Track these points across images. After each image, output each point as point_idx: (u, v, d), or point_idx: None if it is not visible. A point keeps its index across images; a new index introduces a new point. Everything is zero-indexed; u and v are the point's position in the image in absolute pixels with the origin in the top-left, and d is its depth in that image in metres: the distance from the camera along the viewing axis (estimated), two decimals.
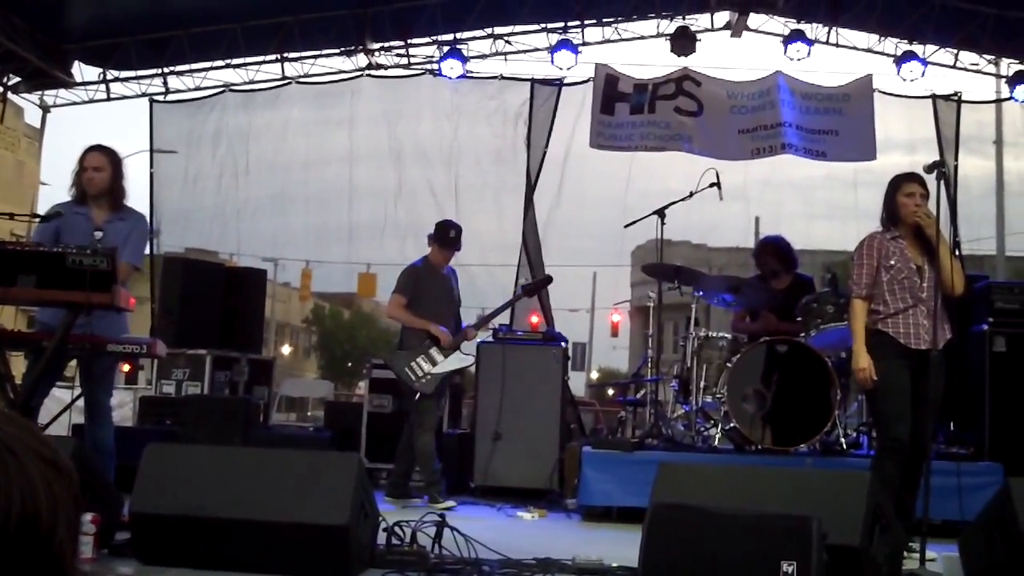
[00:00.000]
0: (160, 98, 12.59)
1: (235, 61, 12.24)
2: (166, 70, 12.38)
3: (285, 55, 12.19)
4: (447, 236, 8.54)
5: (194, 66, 12.37)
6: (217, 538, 4.67)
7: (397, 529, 5.25)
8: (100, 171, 6.37)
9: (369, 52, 12.06)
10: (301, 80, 12.35)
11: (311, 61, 12.30)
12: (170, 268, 11.17)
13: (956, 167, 11.53)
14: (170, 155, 12.67)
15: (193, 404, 9.60)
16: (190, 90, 12.59)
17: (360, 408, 10.27)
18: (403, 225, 12.06)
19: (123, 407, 12.03)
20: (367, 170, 12.43)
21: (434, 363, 8.25)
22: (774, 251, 9.09)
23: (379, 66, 12.24)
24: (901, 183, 6.47)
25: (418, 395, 8.22)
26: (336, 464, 4.94)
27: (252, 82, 12.41)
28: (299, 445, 9.82)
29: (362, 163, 12.43)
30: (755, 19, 11.66)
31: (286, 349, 52.86)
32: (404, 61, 12.30)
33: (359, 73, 12.26)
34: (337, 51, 12.15)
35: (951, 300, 6.44)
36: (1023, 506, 4.55)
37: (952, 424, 8.68)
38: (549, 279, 9.90)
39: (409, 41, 12.15)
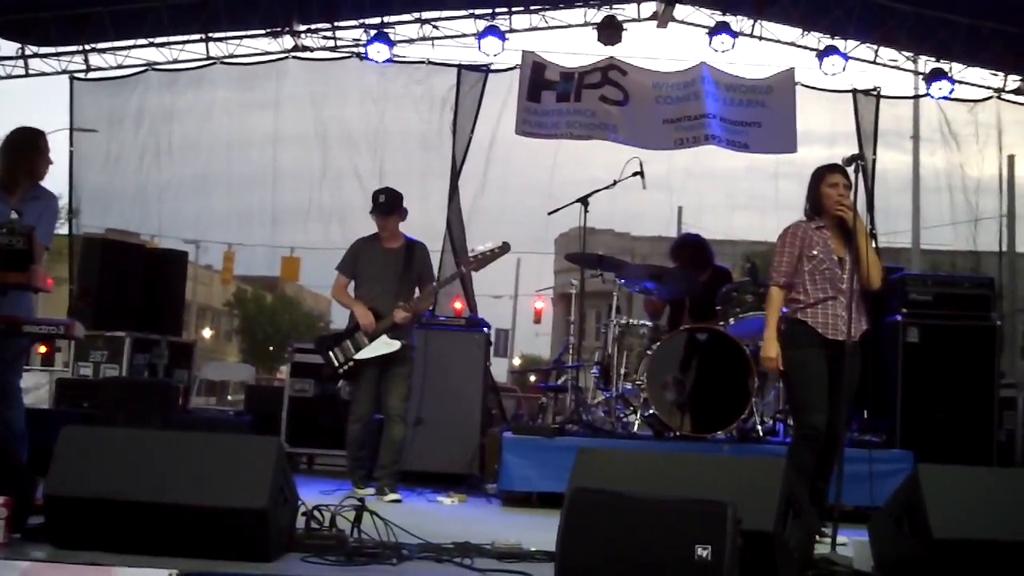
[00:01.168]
0: (81, 76, 12.34)
1: (159, 40, 12.03)
2: (87, 47, 12.12)
3: (210, 35, 12.02)
4: (376, 202, 8.11)
5: (116, 44, 12.12)
6: (133, 521, 4.62)
7: (316, 513, 5.25)
8: None
9: (295, 34, 11.96)
10: (226, 60, 12.19)
11: (236, 42, 12.13)
12: (89, 249, 10.98)
13: (874, 161, 11.76)
14: (91, 134, 12.45)
15: (111, 387, 9.46)
16: (112, 68, 12.33)
17: (281, 392, 10.21)
18: (327, 209, 12.02)
19: (39, 389, 11.85)
20: (292, 153, 12.33)
21: (358, 348, 7.92)
22: (691, 253, 9.24)
23: (305, 48, 12.13)
24: (825, 174, 6.55)
25: (341, 382, 8.12)
26: (255, 448, 4.91)
27: (176, 61, 12.22)
28: (219, 429, 9.76)
29: (287, 146, 12.33)
30: (681, 10, 11.75)
31: (207, 332, 52.30)
32: (331, 44, 12.21)
33: (285, 55, 12.13)
34: (263, 32, 12.01)
35: (869, 293, 6.56)
36: (931, 492, 4.65)
37: (866, 412, 8.86)
38: (506, 247, 8.13)
39: (336, 24, 12.06)
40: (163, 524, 4.63)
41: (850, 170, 6.25)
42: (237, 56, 12.24)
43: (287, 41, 12.06)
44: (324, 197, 12.06)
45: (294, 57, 12.13)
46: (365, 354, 7.91)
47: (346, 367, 7.95)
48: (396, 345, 7.90)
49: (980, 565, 4.56)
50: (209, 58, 12.17)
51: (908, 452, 7.94)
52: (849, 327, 6.18)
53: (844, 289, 6.35)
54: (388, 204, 8.11)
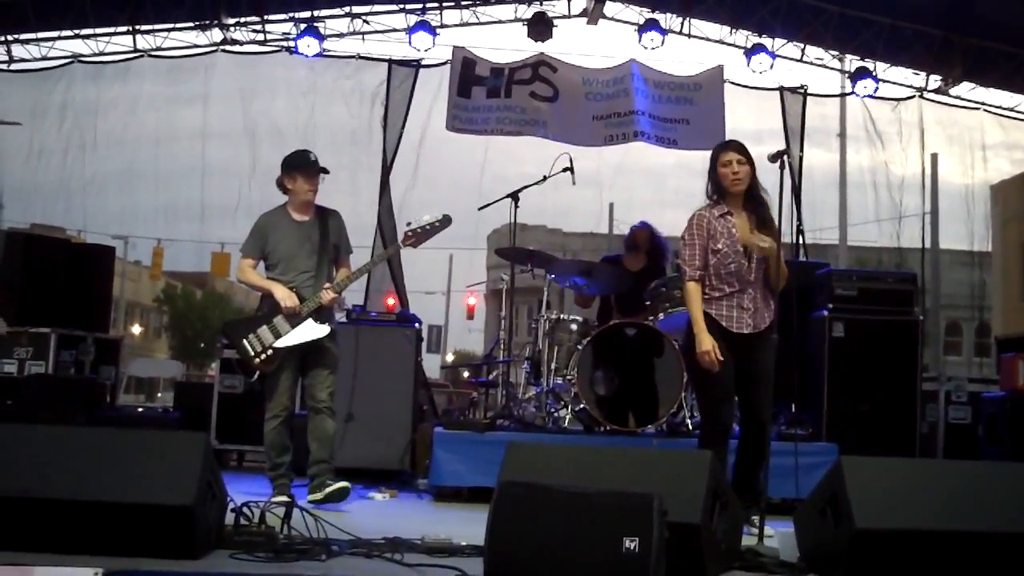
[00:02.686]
0: (3, 67, 12.13)
1: (84, 31, 11.87)
2: (9, 38, 11.93)
3: (137, 27, 11.88)
4: (308, 160, 7.31)
5: (40, 35, 11.95)
6: (56, 520, 4.56)
7: (246, 510, 5.20)
8: None
9: (224, 27, 11.85)
10: (153, 53, 12.06)
11: (164, 34, 12.00)
12: (12, 243, 10.78)
13: (801, 158, 11.92)
14: (13, 127, 12.25)
15: (35, 384, 9.33)
16: (35, 60, 12.15)
17: (211, 389, 10.12)
18: (257, 204, 11.81)
19: None
20: (220, 148, 12.23)
21: (278, 334, 7.06)
22: (648, 241, 9.29)
23: (234, 42, 12.03)
24: (719, 153, 6.35)
25: (257, 375, 7.12)
26: (182, 444, 4.86)
27: (102, 54, 12.06)
28: (147, 426, 9.66)
29: (215, 140, 12.23)
30: (611, 7, 11.83)
31: (136, 329, 51.70)
32: (260, 37, 12.12)
33: (213, 48, 12.03)
34: (191, 25, 11.88)
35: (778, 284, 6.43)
36: (854, 483, 4.73)
37: (793, 406, 8.98)
38: (447, 220, 7.36)
39: (265, 17, 11.97)
40: (88, 522, 4.57)
41: (775, 166, 6.19)
42: (164, 49, 12.12)
43: (216, 34, 11.96)
44: (253, 192, 11.93)
45: (223, 51, 12.03)
46: (288, 341, 7.06)
47: (263, 356, 7.05)
48: (325, 329, 7.15)
49: (902, 554, 4.65)
50: (136, 51, 12.03)
51: (833, 445, 8.05)
52: (756, 319, 6.26)
53: (752, 280, 6.29)
54: (318, 163, 7.34)
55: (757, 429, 6.25)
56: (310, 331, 7.11)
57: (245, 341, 7.08)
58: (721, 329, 6.27)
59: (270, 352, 7.05)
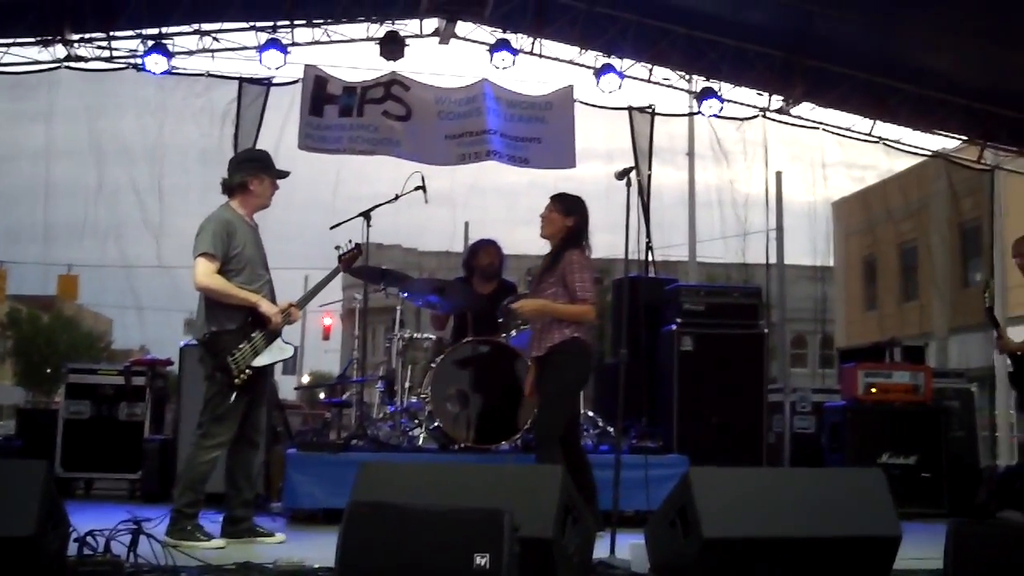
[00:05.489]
0: None
1: None
2: None
3: None
4: (269, 162, 7.00)
5: None
6: None
7: (90, 539, 5.08)
8: None
9: (68, 43, 11.52)
10: None
11: (3, 49, 11.61)
12: None
13: (650, 176, 12.17)
14: None
15: None
16: None
17: (56, 415, 9.85)
18: (104, 225, 11.62)
19: None
20: (65, 167, 11.87)
21: (257, 352, 6.50)
22: (496, 251, 9.30)
23: (79, 58, 11.69)
24: None
25: (235, 395, 6.43)
26: (21, 472, 4.71)
27: None
28: None
29: (60, 159, 11.85)
30: (463, 27, 11.88)
31: None
32: (106, 54, 11.79)
33: (57, 64, 11.67)
34: (33, 40, 11.52)
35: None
36: (701, 493, 4.83)
37: (644, 420, 9.16)
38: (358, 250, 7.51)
39: (112, 33, 11.66)
40: None
41: (622, 183, 6.53)
42: (5, 64, 11.70)
43: (59, 50, 11.60)
44: (100, 213, 11.64)
45: (67, 67, 11.67)
46: (262, 361, 6.55)
47: (245, 375, 6.45)
48: (290, 350, 6.76)
49: (749, 562, 4.78)
50: None
51: (684, 456, 8.23)
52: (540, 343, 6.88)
53: None
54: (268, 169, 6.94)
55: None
56: (280, 351, 6.69)
57: (230, 358, 6.42)
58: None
59: (249, 372, 6.46)
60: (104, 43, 11.70)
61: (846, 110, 12.64)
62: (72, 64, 11.66)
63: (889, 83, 12.13)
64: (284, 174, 7.03)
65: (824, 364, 35.18)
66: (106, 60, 11.79)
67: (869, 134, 12.90)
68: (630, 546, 5.63)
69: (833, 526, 4.87)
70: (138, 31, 11.58)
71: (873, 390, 9.80)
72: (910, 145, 13.23)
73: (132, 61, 11.66)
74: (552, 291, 6.77)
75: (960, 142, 13.45)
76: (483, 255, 9.25)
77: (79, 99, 11.77)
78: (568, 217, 6.96)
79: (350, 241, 7.49)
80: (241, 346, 6.43)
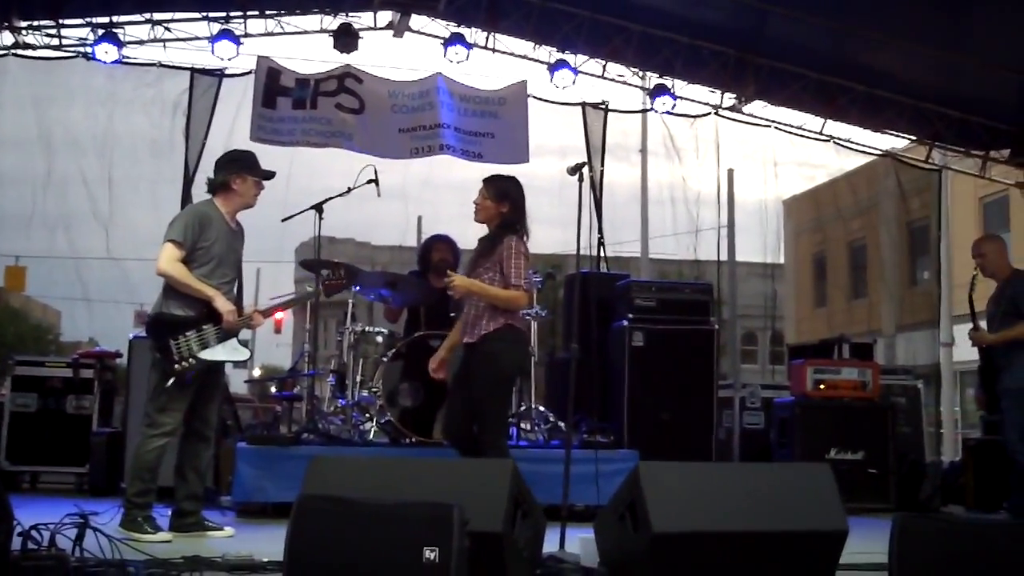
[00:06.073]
0: None
1: None
2: None
3: None
4: (253, 161, 6.95)
5: None
6: None
7: (35, 533, 5.01)
8: None
9: (16, 30, 11.36)
10: None
11: None
12: None
13: (602, 172, 12.20)
14: None
15: None
16: None
17: (2, 407, 9.74)
18: (52, 216, 11.47)
19: None
20: (12, 157, 11.74)
21: (204, 345, 6.56)
22: (450, 246, 9.27)
23: (27, 46, 11.52)
24: None
25: (172, 380, 6.48)
26: None
27: None
28: None
29: (6, 149, 11.73)
30: (417, 20, 11.85)
31: None
32: (55, 42, 11.63)
33: (4, 52, 11.47)
34: None
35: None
36: (650, 488, 4.85)
37: (595, 415, 9.19)
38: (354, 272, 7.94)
39: (61, 22, 11.50)
40: None
41: (575, 179, 6.53)
42: None
43: (6, 38, 11.43)
44: (48, 204, 11.49)
45: (14, 55, 11.50)
46: (211, 355, 6.59)
47: (185, 364, 6.50)
48: (245, 354, 6.89)
49: (698, 555, 4.80)
50: None
51: (634, 451, 8.29)
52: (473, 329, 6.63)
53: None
54: (255, 168, 6.93)
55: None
56: (233, 352, 6.74)
57: (172, 341, 6.47)
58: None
59: (192, 361, 6.50)
60: (53, 31, 11.53)
61: (798, 109, 12.72)
62: (20, 52, 11.48)
63: (840, 82, 12.22)
64: (269, 174, 7.01)
65: (774, 360, 35.54)
66: (55, 48, 11.64)
67: (820, 133, 12.98)
68: (580, 540, 5.65)
69: (781, 520, 4.91)
70: (88, 19, 11.43)
71: (822, 386, 9.91)
72: (860, 144, 13.34)
73: (82, 50, 11.51)
74: (488, 276, 6.61)
75: (909, 142, 13.59)
76: (436, 251, 9.23)
77: (27, 88, 11.61)
78: (501, 203, 6.77)
79: (340, 270, 7.56)
80: (188, 334, 6.50)
